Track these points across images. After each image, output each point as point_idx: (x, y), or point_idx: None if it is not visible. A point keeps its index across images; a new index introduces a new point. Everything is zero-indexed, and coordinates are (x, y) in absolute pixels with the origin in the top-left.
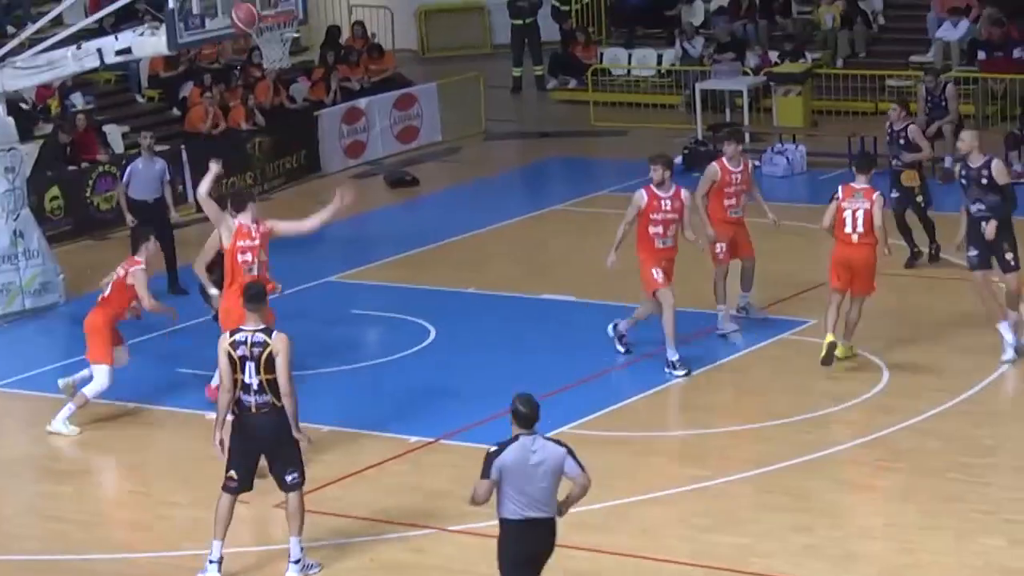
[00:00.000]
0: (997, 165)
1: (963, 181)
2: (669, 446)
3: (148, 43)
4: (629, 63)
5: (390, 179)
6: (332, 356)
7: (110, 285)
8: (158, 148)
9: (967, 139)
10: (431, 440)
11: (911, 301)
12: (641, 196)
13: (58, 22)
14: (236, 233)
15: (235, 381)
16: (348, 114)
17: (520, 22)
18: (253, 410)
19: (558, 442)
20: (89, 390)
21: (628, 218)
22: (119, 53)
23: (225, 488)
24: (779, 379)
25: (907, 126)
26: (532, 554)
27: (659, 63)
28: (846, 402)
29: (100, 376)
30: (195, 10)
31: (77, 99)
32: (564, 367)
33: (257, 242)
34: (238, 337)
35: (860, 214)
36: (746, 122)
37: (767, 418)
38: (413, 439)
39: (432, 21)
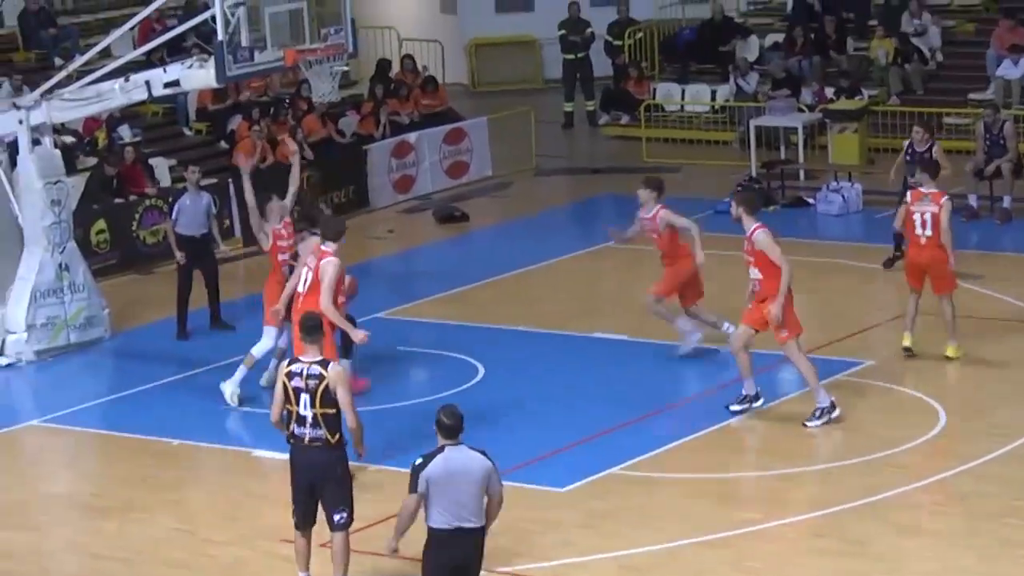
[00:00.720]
0: (936, 147)
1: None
2: (721, 488)
3: (196, 76)
4: (682, 99)
5: (439, 214)
6: (379, 393)
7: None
8: (205, 182)
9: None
10: None
11: (966, 344)
12: None
13: (106, 54)
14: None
15: (290, 412)
16: (397, 148)
17: (572, 56)
18: (306, 442)
19: (483, 453)
20: (256, 349)
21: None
22: (167, 85)
23: (295, 524)
24: (834, 421)
25: (931, 146)
26: (459, 564)
27: (713, 99)
28: (902, 445)
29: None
30: (244, 43)
31: (124, 131)
32: (615, 406)
33: (289, 242)
34: (294, 368)
35: (928, 217)
36: (801, 159)
37: (821, 460)
38: None
39: (483, 55)
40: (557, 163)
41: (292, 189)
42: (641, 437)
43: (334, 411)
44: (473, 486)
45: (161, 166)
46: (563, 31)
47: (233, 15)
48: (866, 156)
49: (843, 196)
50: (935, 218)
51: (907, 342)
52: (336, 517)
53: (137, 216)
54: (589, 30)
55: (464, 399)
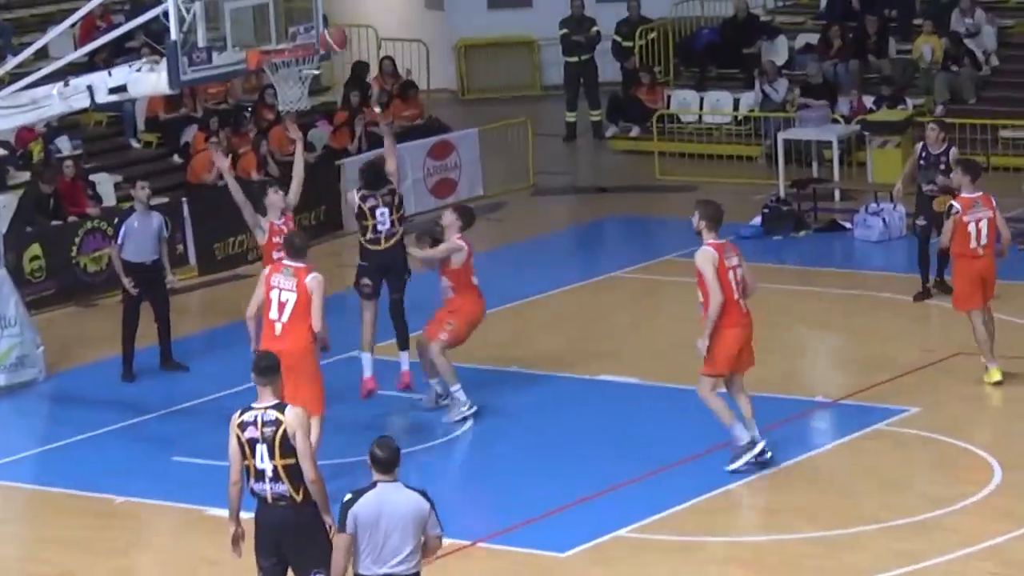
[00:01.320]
0: (954, 151)
1: (922, 163)
2: (743, 553)
3: (146, 80)
4: (701, 108)
5: (423, 239)
6: (354, 444)
7: None
8: (156, 201)
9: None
10: (467, 544)
11: (1018, 388)
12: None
13: (43, 55)
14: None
15: (247, 468)
16: None
17: (575, 59)
18: (269, 501)
19: (423, 494)
20: None
21: None
22: (113, 91)
23: None
24: (872, 477)
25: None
26: None
27: (735, 108)
28: (952, 505)
29: None
30: (201, 42)
31: (63, 144)
32: (622, 460)
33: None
34: (246, 417)
35: (984, 224)
36: (836, 177)
37: (858, 523)
38: (447, 542)
39: (473, 57)
40: (558, 181)
41: (296, 183)
42: (652, 495)
43: (295, 461)
44: (407, 529)
45: (105, 183)
46: (565, 30)
47: (188, 11)
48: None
49: (884, 220)
50: (991, 223)
51: (998, 375)
52: None
53: (77, 240)
54: (595, 29)
55: (451, 450)
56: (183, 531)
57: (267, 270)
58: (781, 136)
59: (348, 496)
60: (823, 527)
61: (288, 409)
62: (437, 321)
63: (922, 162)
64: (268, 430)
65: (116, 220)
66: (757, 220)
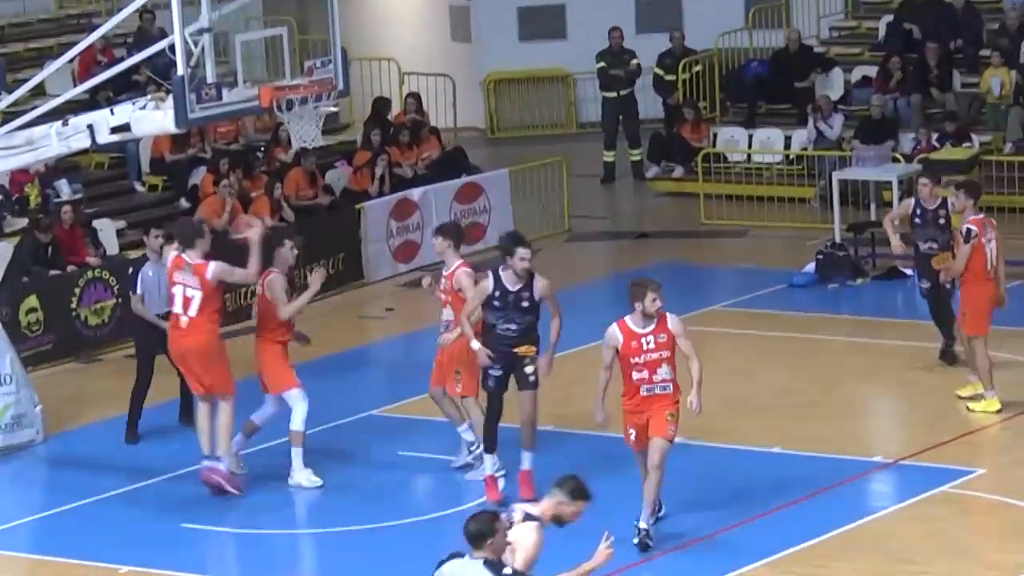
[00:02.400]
0: (952, 204)
1: (917, 220)
2: None
3: (151, 119)
4: (749, 146)
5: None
6: (376, 508)
7: (255, 308)
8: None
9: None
10: None
11: None
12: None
13: (40, 92)
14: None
15: None
16: (398, 208)
17: (613, 95)
18: None
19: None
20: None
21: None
22: (115, 131)
23: None
24: (936, 543)
25: (944, 203)
26: None
27: (787, 147)
28: (1020, 574)
29: (296, 402)
30: (210, 78)
31: (63, 187)
32: (665, 523)
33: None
34: None
35: (993, 247)
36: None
37: None
38: None
39: (503, 93)
40: (596, 226)
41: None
42: (694, 562)
43: None
44: None
45: (107, 229)
46: (602, 63)
47: (196, 44)
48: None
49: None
50: (998, 246)
51: (998, 405)
52: None
53: (77, 291)
54: (635, 62)
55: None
56: None
57: (170, 264)
58: (836, 176)
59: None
60: None
61: None
62: (445, 368)
63: (917, 220)
64: None
65: (130, 270)
66: (811, 267)
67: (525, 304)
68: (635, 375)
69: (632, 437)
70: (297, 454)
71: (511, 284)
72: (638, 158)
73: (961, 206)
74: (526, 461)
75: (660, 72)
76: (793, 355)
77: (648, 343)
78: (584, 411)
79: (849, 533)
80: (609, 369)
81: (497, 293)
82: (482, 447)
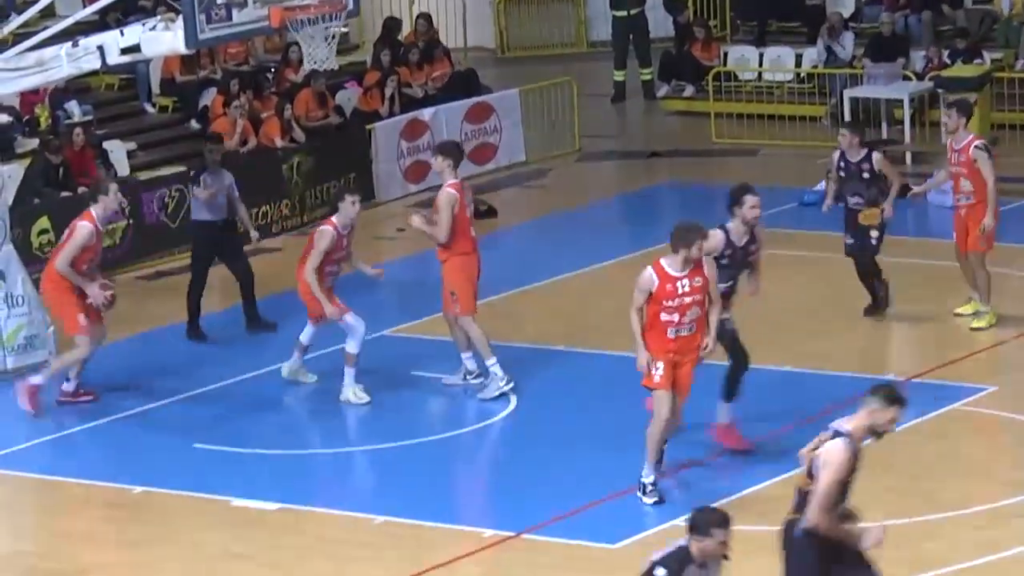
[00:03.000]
0: (877, 157)
1: (842, 174)
2: None
3: (161, 39)
4: (760, 65)
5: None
6: (389, 429)
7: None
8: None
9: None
10: (511, 535)
11: None
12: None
13: (49, 13)
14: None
15: None
16: (408, 128)
17: (624, 14)
18: None
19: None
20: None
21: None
22: (125, 52)
23: None
24: (949, 461)
25: (869, 155)
26: None
27: (798, 65)
28: None
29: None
30: None
31: (73, 108)
32: (676, 444)
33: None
34: None
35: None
36: (907, 139)
37: (933, 509)
38: (488, 533)
39: (513, 12)
40: (606, 145)
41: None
42: (711, 481)
43: None
44: None
45: (118, 151)
46: None
47: None
48: (989, 134)
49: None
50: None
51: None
52: None
53: None
54: None
55: (492, 437)
56: (206, 523)
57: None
58: (847, 94)
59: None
60: (898, 514)
61: None
62: (444, 296)
63: (841, 173)
64: None
65: (194, 173)
66: (822, 185)
67: (751, 259)
68: (664, 316)
69: (659, 371)
70: (349, 373)
71: (739, 238)
72: (649, 77)
73: (954, 125)
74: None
75: None
76: (804, 273)
77: (683, 287)
78: (592, 329)
79: (863, 450)
80: (641, 311)
81: (728, 251)
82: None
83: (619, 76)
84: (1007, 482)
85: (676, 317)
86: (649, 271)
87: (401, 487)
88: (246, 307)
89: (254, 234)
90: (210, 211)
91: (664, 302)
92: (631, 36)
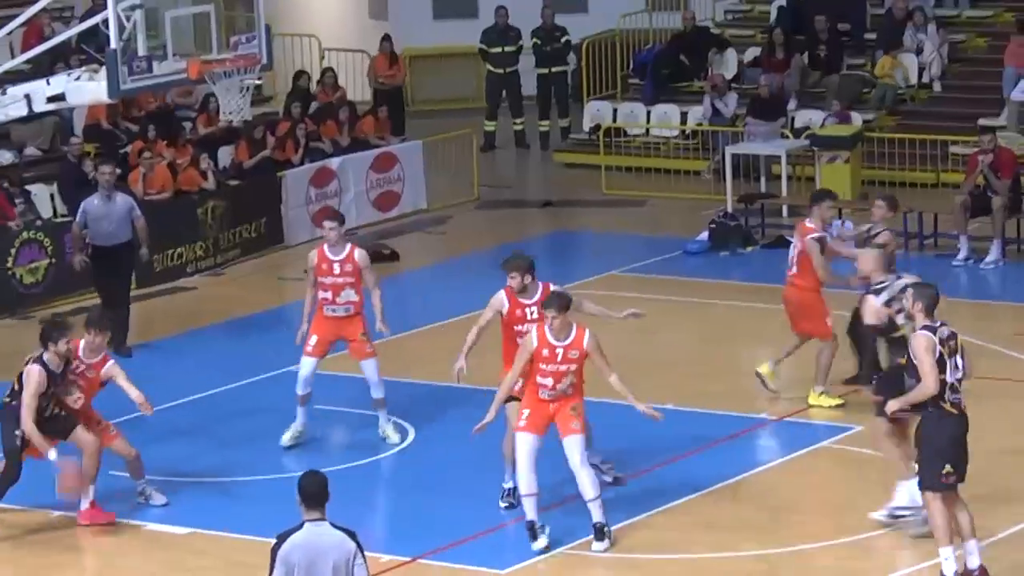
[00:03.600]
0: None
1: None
2: (686, 571)
3: (86, 89)
4: (648, 121)
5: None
6: (292, 459)
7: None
8: None
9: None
10: (407, 560)
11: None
12: (501, 300)
13: None
14: None
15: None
16: (317, 176)
17: (500, 71)
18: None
19: (350, 534)
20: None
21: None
22: (51, 100)
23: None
24: (817, 495)
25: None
26: None
27: (683, 122)
28: (896, 524)
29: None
30: (141, 51)
31: (4, 154)
32: (563, 477)
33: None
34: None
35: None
36: (784, 192)
37: (805, 540)
38: (385, 558)
39: (418, 68)
40: (503, 194)
41: None
42: (587, 514)
43: None
44: (331, 573)
45: (42, 194)
46: (536, 40)
47: (129, 19)
48: (859, 190)
49: (831, 236)
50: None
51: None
52: None
53: (13, 251)
54: (565, 39)
55: (390, 466)
56: (120, 547)
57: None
58: (730, 150)
59: (275, 540)
60: (767, 545)
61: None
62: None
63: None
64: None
65: (77, 201)
66: (704, 235)
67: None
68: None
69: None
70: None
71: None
72: (520, 127)
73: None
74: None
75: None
76: (687, 318)
77: (532, 313)
78: (484, 368)
79: (735, 485)
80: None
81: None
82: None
83: (490, 127)
84: (868, 515)
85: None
86: (500, 293)
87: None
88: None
89: (144, 251)
90: (101, 236)
91: (515, 327)
92: (503, 91)
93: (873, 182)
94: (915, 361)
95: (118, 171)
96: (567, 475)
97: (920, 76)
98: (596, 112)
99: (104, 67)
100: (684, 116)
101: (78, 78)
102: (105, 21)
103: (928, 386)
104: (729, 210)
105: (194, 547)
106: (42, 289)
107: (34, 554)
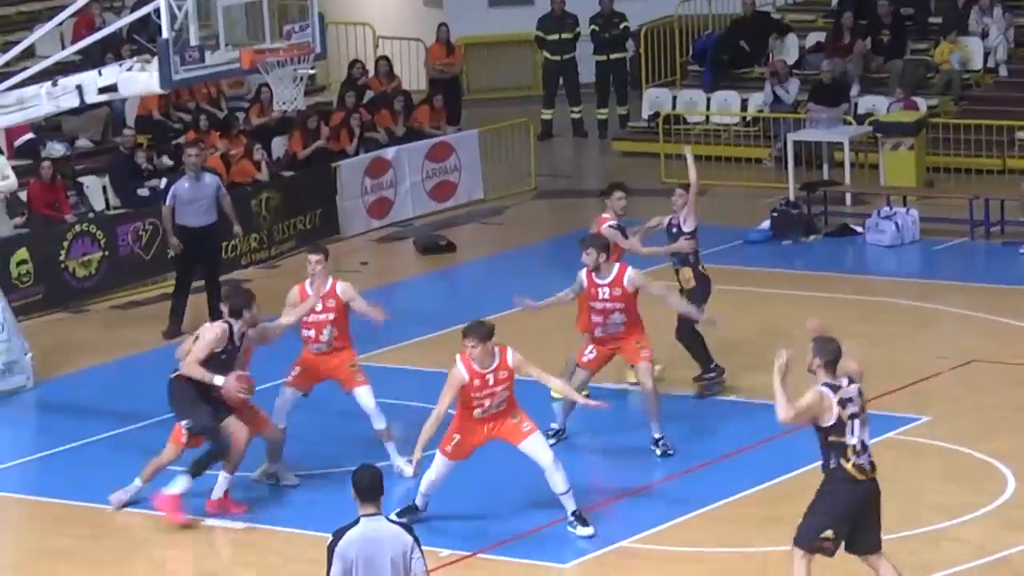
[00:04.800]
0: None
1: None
2: (747, 565)
3: (137, 80)
4: (708, 108)
5: (421, 244)
6: (349, 454)
7: None
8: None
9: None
10: (467, 554)
11: None
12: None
13: (30, 54)
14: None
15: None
16: (372, 166)
17: (557, 59)
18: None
19: (405, 527)
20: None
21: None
22: (103, 91)
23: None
24: (883, 487)
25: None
26: None
27: (744, 109)
28: (963, 515)
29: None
30: (193, 41)
31: (56, 146)
32: (629, 469)
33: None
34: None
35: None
36: (847, 180)
37: None
38: (445, 552)
39: (474, 56)
40: (561, 184)
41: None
42: (655, 506)
43: None
44: (395, 568)
45: (94, 186)
46: (594, 27)
47: (180, 8)
48: (924, 177)
49: (896, 224)
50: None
51: None
52: None
53: (65, 244)
54: (623, 25)
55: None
56: (177, 542)
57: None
58: (791, 137)
59: (330, 538)
60: None
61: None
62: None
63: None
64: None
65: (165, 182)
66: (766, 224)
67: None
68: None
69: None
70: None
71: None
72: (578, 115)
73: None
74: None
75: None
76: (749, 308)
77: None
78: (550, 359)
79: (800, 478)
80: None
81: None
82: None
83: (547, 115)
84: (938, 507)
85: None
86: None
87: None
88: (211, 308)
89: (237, 228)
90: (187, 216)
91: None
92: (560, 79)
93: (938, 169)
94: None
95: (205, 153)
96: (609, 472)
97: (986, 60)
98: (655, 99)
99: (156, 57)
100: (744, 103)
101: (130, 69)
102: (157, 11)
103: (780, 415)
104: (791, 198)
105: (251, 542)
106: (95, 282)
107: (95, 549)
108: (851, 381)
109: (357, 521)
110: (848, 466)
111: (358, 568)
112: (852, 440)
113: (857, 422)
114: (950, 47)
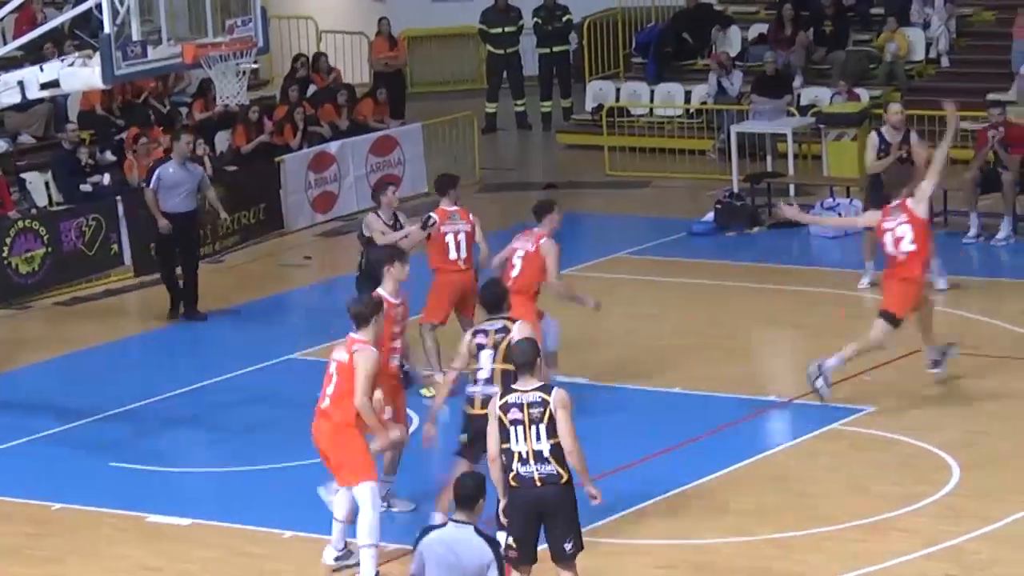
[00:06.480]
0: None
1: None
2: (698, 557)
3: (79, 75)
4: (651, 101)
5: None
6: (294, 448)
7: None
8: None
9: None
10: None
11: (986, 386)
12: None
13: None
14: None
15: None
16: (316, 160)
17: (501, 52)
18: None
19: (490, 541)
20: None
21: None
22: (44, 87)
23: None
24: (829, 478)
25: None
26: None
27: (687, 101)
28: (909, 505)
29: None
30: (135, 36)
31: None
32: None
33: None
34: (510, 399)
35: (463, 237)
36: (791, 171)
37: (814, 524)
38: (392, 547)
39: (417, 50)
40: (505, 177)
41: None
42: (607, 497)
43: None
44: None
45: (36, 182)
46: (537, 19)
47: (122, 4)
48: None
49: (840, 215)
50: (469, 237)
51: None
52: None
53: (8, 241)
54: (566, 18)
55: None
56: (121, 538)
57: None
58: (735, 129)
59: (419, 533)
60: (779, 528)
61: (554, 391)
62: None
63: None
64: (535, 411)
65: (151, 166)
66: (710, 216)
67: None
68: None
69: None
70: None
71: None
72: (522, 108)
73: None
74: None
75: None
76: (693, 300)
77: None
78: None
79: (746, 468)
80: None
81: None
82: None
83: (491, 108)
84: (884, 497)
85: None
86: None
87: (311, 504)
88: (185, 296)
89: (223, 215)
90: (171, 203)
91: None
92: (504, 72)
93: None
94: None
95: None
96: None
97: (927, 51)
98: (598, 92)
99: (98, 52)
100: (688, 95)
101: (72, 64)
102: (98, 6)
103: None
104: (735, 190)
105: (197, 538)
106: (38, 278)
107: (39, 546)
108: (538, 387)
109: (445, 524)
110: (510, 476)
111: (432, 567)
112: (517, 448)
113: (535, 428)
114: (889, 37)
